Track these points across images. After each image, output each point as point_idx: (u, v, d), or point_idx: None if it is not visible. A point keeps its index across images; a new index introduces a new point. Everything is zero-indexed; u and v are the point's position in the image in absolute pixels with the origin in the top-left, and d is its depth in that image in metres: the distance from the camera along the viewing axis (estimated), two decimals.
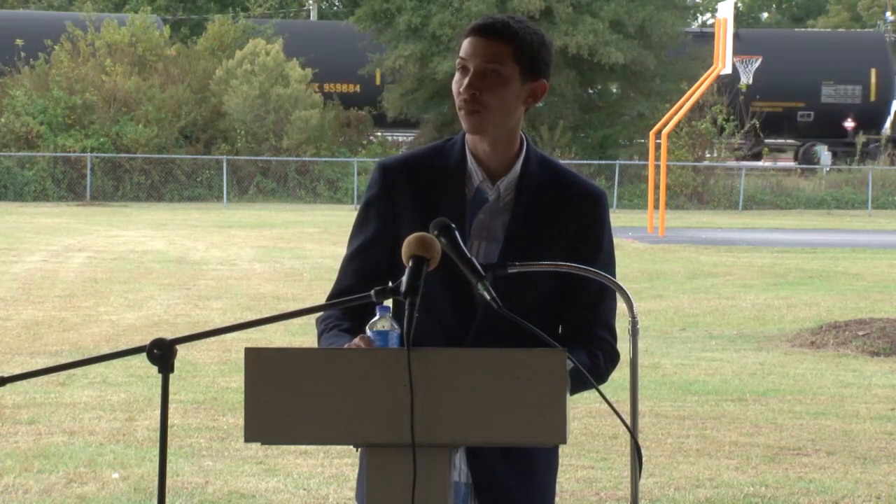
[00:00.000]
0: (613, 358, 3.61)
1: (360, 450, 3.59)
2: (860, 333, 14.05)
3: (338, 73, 47.08)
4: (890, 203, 43.97)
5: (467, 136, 3.60)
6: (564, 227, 3.57)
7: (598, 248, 3.59)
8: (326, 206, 40.13)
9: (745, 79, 44.63)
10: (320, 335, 3.59)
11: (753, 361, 13.13)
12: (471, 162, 3.59)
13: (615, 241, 3.70)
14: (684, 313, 16.71)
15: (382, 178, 3.62)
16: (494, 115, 3.50)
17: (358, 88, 47.50)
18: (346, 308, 3.53)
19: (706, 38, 41.59)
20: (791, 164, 50.53)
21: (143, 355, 3.06)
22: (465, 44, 3.52)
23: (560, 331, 3.62)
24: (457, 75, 3.54)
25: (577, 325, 3.60)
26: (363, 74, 45.91)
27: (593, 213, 3.60)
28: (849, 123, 48.36)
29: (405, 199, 3.58)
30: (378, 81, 46.43)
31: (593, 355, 3.55)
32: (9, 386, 3.22)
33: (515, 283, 3.44)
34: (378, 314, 3.23)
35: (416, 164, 3.62)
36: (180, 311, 16.21)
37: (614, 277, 3.49)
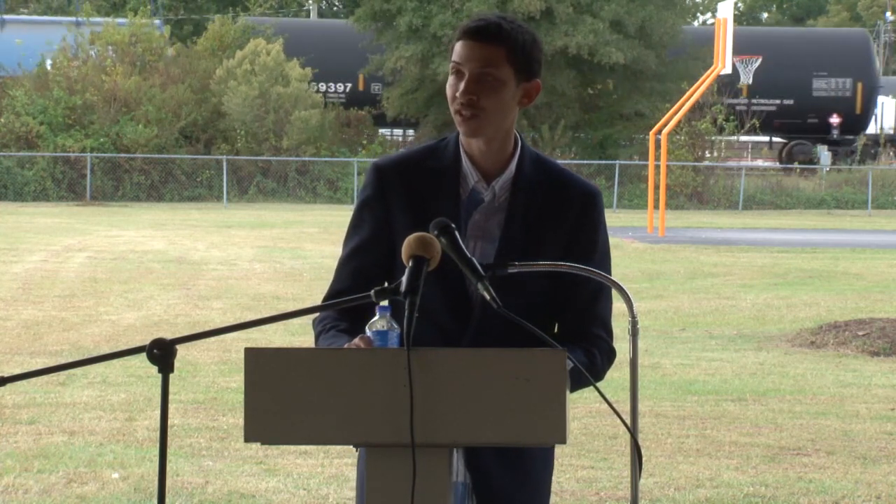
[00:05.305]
0: (610, 356, 3.62)
1: (359, 450, 3.59)
2: (860, 333, 14.04)
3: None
4: (890, 203, 43.97)
5: (461, 137, 3.60)
6: (560, 225, 3.57)
7: (594, 246, 3.60)
8: (326, 206, 40.13)
9: (745, 78, 44.67)
10: (318, 336, 3.59)
11: (753, 361, 13.13)
12: (465, 162, 3.58)
13: (615, 241, 3.71)
14: (684, 313, 16.71)
15: (377, 179, 3.61)
16: (491, 118, 3.50)
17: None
18: (343, 309, 3.53)
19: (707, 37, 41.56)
20: (791, 164, 50.58)
21: (143, 355, 3.06)
22: (459, 47, 3.50)
23: (556, 329, 3.62)
24: (451, 79, 3.52)
25: (573, 324, 3.60)
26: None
27: (588, 212, 3.60)
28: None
29: (400, 199, 3.58)
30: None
31: (590, 353, 3.55)
32: (9, 386, 3.22)
33: (510, 283, 3.44)
34: (378, 314, 3.23)
35: (410, 164, 3.61)
36: (180, 311, 16.21)
37: (610, 275, 3.50)
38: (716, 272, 21.84)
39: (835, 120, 48.36)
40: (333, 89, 47.54)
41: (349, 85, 47.56)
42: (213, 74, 43.77)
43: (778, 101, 48.73)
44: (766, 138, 52.72)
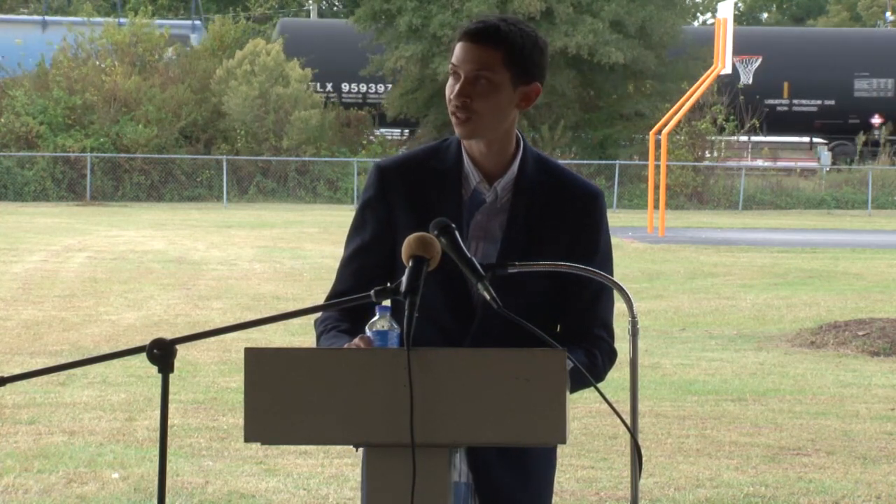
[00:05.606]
0: (611, 357, 3.61)
1: (360, 451, 3.59)
2: (860, 333, 14.04)
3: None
4: (890, 203, 43.97)
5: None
6: (562, 226, 3.57)
7: (595, 247, 3.59)
8: (326, 206, 40.13)
9: (745, 78, 44.64)
10: (319, 336, 3.59)
11: (753, 361, 13.13)
12: (467, 163, 3.58)
13: (615, 240, 3.69)
14: (684, 313, 16.71)
15: (379, 180, 3.61)
16: (485, 121, 3.49)
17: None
18: (344, 309, 3.53)
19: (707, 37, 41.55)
20: (791, 163, 50.55)
21: (143, 355, 3.06)
22: (457, 49, 3.50)
23: (558, 330, 3.62)
24: (449, 80, 3.52)
25: (575, 325, 3.60)
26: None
27: (590, 213, 3.59)
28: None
29: (402, 200, 3.57)
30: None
31: (591, 354, 3.55)
32: (9, 386, 3.21)
33: (510, 283, 3.43)
34: (378, 314, 3.22)
35: (412, 165, 3.61)
36: (180, 311, 16.21)
37: (612, 276, 3.49)
38: (716, 272, 21.85)
39: (876, 120, 48.20)
40: (374, 90, 47.32)
41: (389, 87, 47.28)
42: (213, 74, 43.78)
43: (819, 102, 48.56)
44: (807, 139, 52.53)
